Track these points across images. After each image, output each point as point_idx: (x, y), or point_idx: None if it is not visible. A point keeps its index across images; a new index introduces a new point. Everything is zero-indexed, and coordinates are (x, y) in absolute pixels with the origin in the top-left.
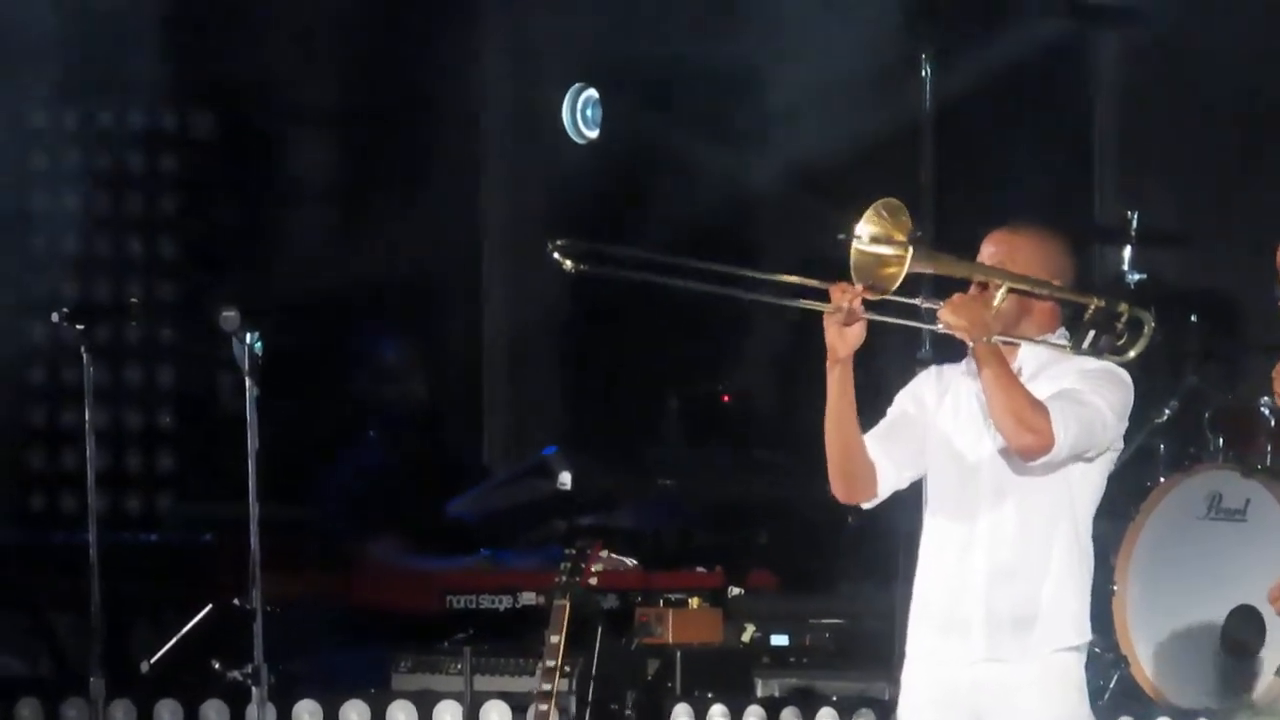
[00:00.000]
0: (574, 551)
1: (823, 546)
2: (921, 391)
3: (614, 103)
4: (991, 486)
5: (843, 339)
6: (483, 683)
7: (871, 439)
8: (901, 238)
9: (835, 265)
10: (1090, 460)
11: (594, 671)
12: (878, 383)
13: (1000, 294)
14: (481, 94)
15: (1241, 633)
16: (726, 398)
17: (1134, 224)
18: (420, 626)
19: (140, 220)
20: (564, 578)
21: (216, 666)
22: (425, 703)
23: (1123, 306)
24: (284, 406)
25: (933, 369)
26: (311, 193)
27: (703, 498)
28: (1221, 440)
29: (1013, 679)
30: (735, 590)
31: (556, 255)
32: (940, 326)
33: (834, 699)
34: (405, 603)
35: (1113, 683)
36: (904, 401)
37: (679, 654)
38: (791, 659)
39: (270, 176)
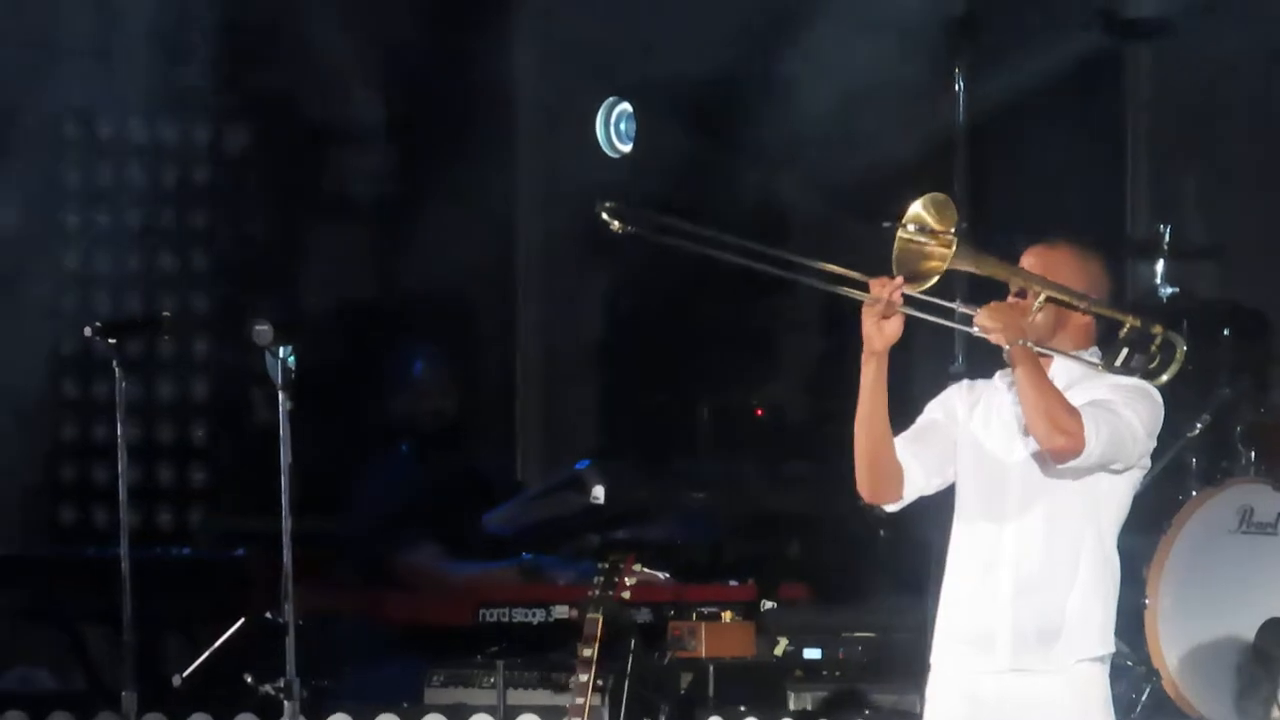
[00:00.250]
0: (607, 565)
1: (855, 559)
2: (952, 402)
3: (648, 117)
4: (1019, 496)
5: (880, 332)
6: (516, 696)
7: (901, 441)
8: (947, 232)
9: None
10: (1117, 473)
11: (627, 685)
12: (910, 394)
13: (1037, 303)
14: (516, 108)
15: (1272, 646)
16: (759, 411)
17: (1166, 238)
18: (453, 640)
19: (173, 234)
20: (597, 591)
21: (249, 680)
22: (458, 716)
23: (1157, 328)
24: (317, 420)
25: (964, 382)
26: (345, 207)
27: (735, 511)
28: (1253, 454)
29: (1038, 690)
30: (768, 603)
31: (605, 216)
32: (976, 330)
33: (867, 712)
34: (438, 616)
35: (1144, 696)
36: (934, 410)
37: (712, 667)
38: (824, 672)
39: (303, 190)
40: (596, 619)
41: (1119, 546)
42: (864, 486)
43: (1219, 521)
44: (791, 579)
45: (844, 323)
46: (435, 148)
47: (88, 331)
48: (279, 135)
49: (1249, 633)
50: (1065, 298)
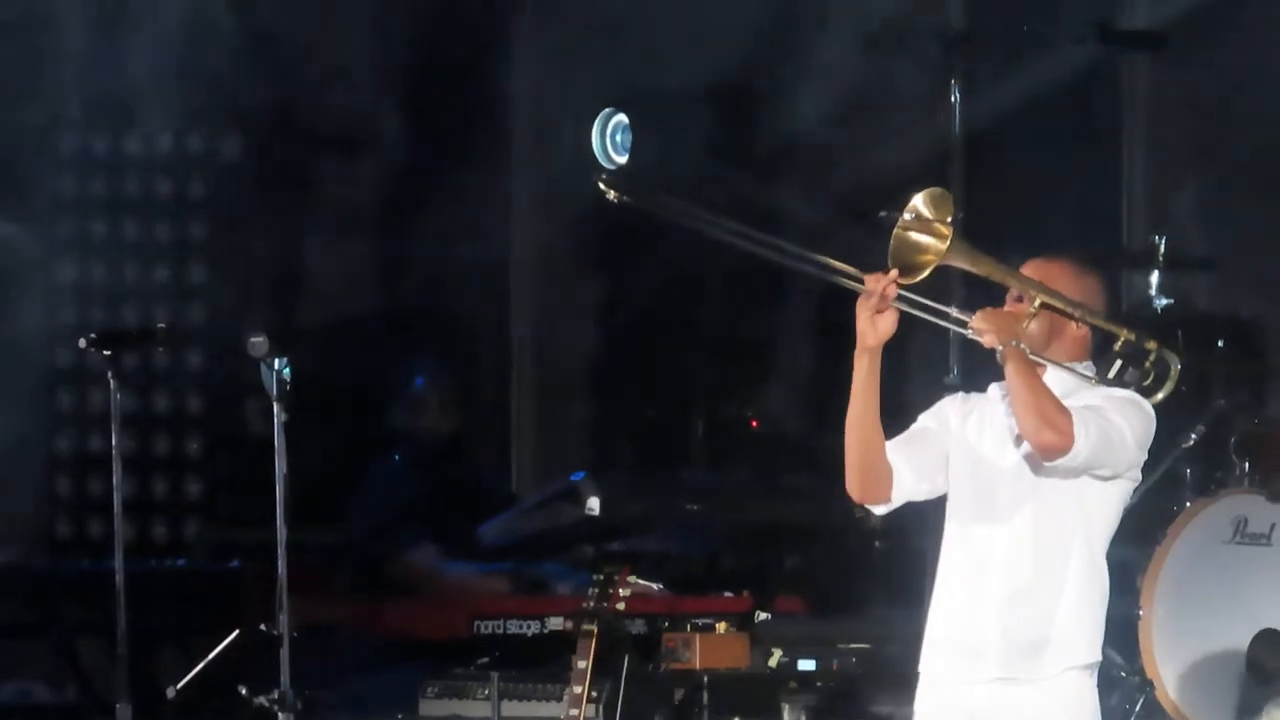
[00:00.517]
0: (602, 576)
1: (850, 571)
2: (945, 412)
3: (643, 129)
4: (1009, 501)
5: (873, 327)
6: (510, 708)
7: (892, 445)
8: (943, 226)
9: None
10: (1105, 480)
11: (621, 696)
12: (903, 405)
13: (1032, 308)
14: (511, 120)
15: (1266, 656)
16: (754, 423)
17: (1162, 249)
18: (448, 651)
19: (168, 245)
20: (592, 603)
21: (243, 692)
22: None
23: (1152, 344)
24: (311, 432)
25: (959, 394)
26: (340, 219)
27: (730, 522)
28: (1247, 465)
29: (1026, 699)
30: (762, 615)
31: (601, 185)
32: (970, 332)
33: None
34: (433, 627)
35: (1138, 706)
36: (927, 419)
37: (706, 679)
38: (819, 683)
39: (299, 202)
40: (591, 630)
41: (1113, 556)
42: (853, 485)
43: (1213, 532)
44: (786, 590)
45: (838, 334)
46: (431, 160)
47: (83, 343)
48: (275, 147)
49: (1243, 643)
50: (1060, 305)
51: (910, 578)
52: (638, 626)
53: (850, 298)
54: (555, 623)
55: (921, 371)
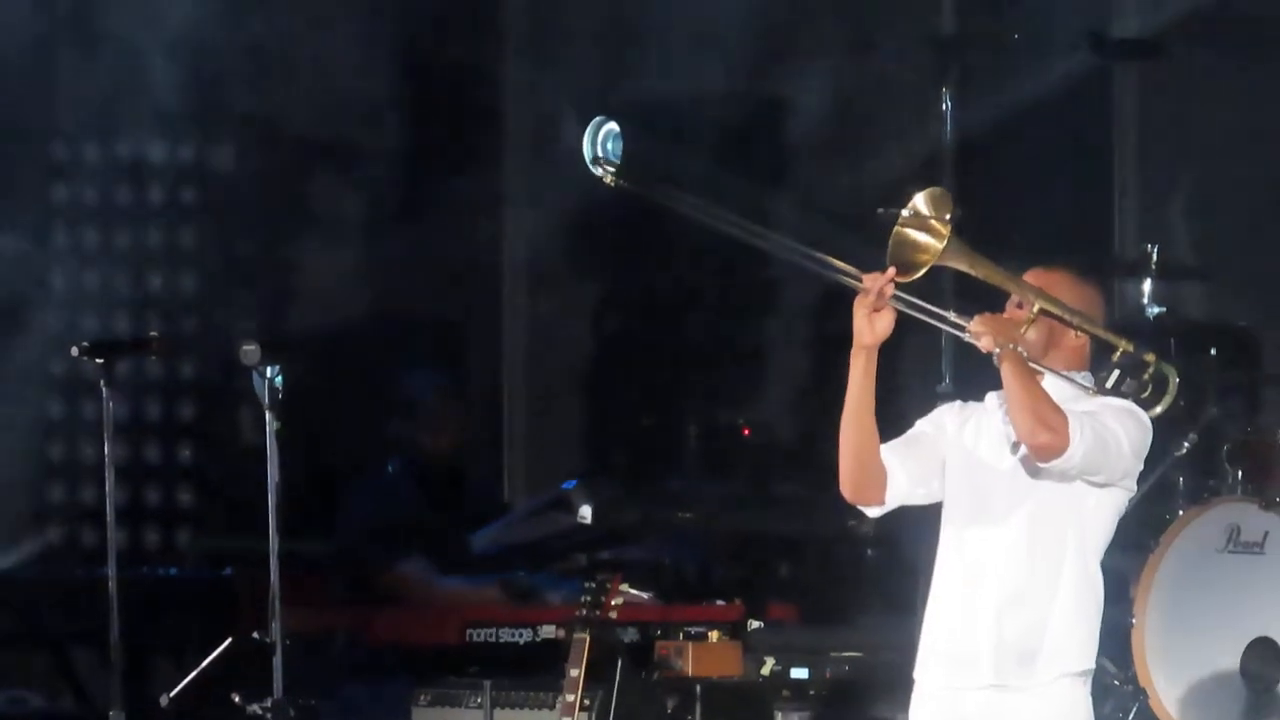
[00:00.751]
0: (594, 585)
1: (842, 579)
2: (943, 419)
3: (635, 137)
4: (1004, 504)
5: (870, 326)
6: (503, 716)
7: (888, 448)
8: (941, 225)
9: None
10: (1100, 486)
11: (614, 705)
12: (897, 414)
13: (1030, 314)
14: (503, 128)
15: (1260, 665)
16: (747, 431)
17: (1154, 258)
18: (440, 660)
19: (160, 253)
20: (584, 611)
21: (237, 700)
22: None
23: (1150, 356)
24: (304, 440)
25: (956, 403)
26: (332, 227)
27: (722, 531)
28: (1240, 473)
29: (1020, 706)
30: (755, 623)
31: (598, 171)
32: (967, 336)
33: None
34: (425, 636)
35: (1132, 715)
36: (924, 425)
37: (699, 687)
38: (811, 692)
39: (291, 210)
40: (583, 639)
41: (1105, 564)
42: (846, 485)
43: (1206, 540)
44: (779, 599)
45: (832, 343)
46: (423, 169)
47: (75, 351)
48: (266, 155)
49: (1236, 652)
50: (1059, 313)
51: (903, 586)
52: (630, 635)
53: (843, 307)
54: (548, 631)
55: (914, 380)
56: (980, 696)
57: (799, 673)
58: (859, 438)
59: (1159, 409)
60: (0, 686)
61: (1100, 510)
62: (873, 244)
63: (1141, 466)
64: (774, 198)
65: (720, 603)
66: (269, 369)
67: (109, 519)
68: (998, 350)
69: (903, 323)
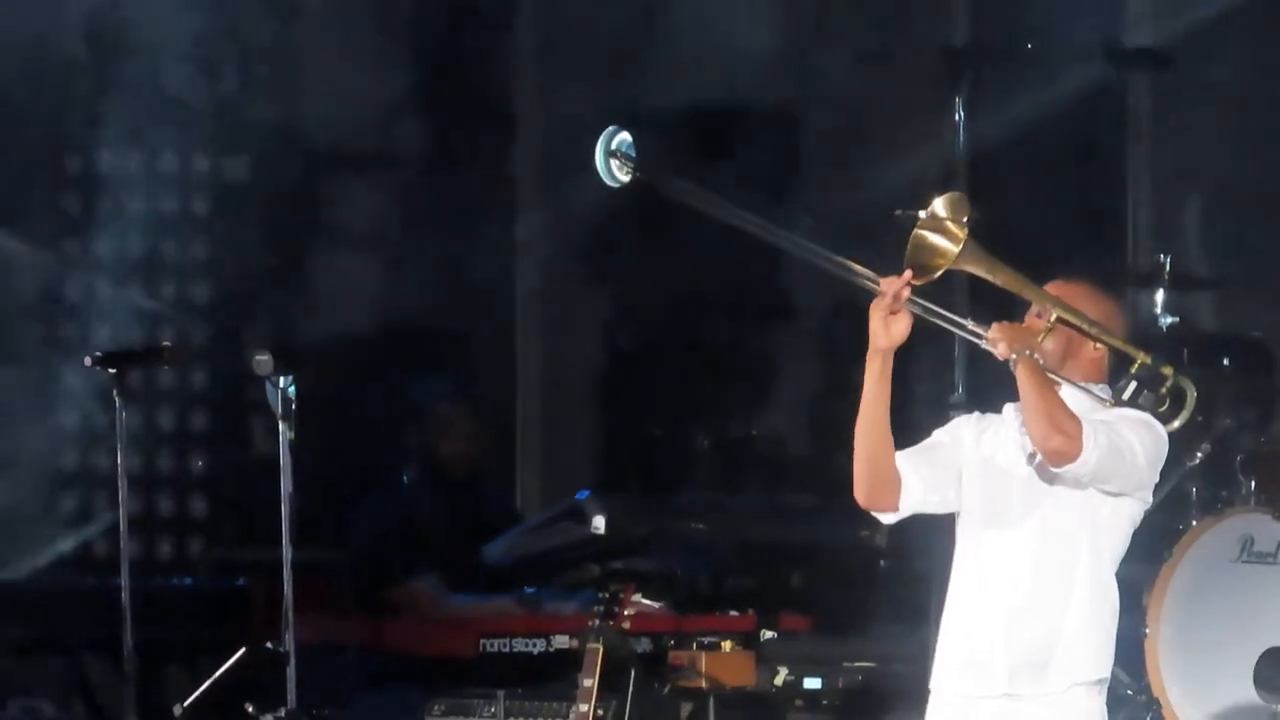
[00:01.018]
0: (607, 595)
1: (855, 589)
2: (960, 429)
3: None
4: (1019, 512)
5: (886, 329)
6: None
7: (904, 455)
8: (958, 229)
9: (866, 311)
10: (1114, 496)
11: (627, 715)
12: (910, 425)
13: (1047, 323)
14: (516, 139)
15: (1273, 675)
16: (759, 442)
17: (1167, 268)
18: (454, 670)
19: (173, 264)
20: (597, 621)
21: (250, 710)
22: None
23: (1168, 369)
24: (316, 450)
25: (974, 414)
26: (345, 237)
27: (735, 541)
28: (1253, 483)
29: (1033, 715)
30: (768, 633)
31: (615, 163)
32: (984, 342)
33: None
34: (439, 646)
35: None
36: (940, 434)
37: (712, 697)
38: (824, 701)
39: (304, 220)
40: (597, 649)
41: (1119, 574)
42: (861, 490)
43: (1219, 551)
44: (792, 609)
45: (844, 353)
46: (436, 179)
47: (88, 361)
48: (280, 166)
49: (1249, 662)
50: (1077, 321)
51: (915, 596)
52: (643, 645)
53: (854, 316)
54: (561, 641)
55: (927, 391)
56: (994, 705)
57: (812, 683)
58: (874, 441)
59: (1177, 423)
60: (14, 695)
61: (1115, 520)
62: (884, 255)
63: (1157, 478)
64: (784, 209)
65: (733, 613)
66: (282, 379)
67: (122, 528)
68: (1013, 356)
69: (916, 333)
